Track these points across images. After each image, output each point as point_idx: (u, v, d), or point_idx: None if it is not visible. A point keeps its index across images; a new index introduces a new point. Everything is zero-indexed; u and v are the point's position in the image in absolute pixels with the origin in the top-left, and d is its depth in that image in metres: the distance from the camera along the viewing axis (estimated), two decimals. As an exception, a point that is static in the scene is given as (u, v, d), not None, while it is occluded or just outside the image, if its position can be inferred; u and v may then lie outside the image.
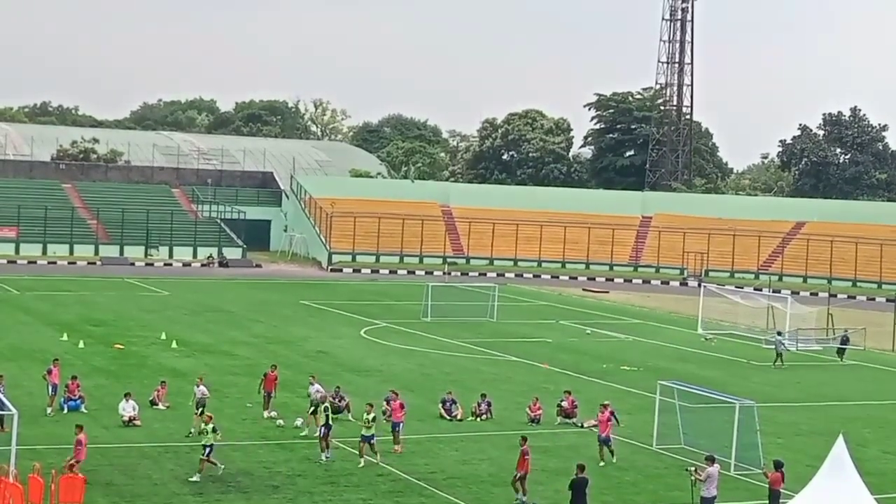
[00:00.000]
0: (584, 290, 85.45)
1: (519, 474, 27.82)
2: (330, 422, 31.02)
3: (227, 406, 37.16)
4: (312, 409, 33.33)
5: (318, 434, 31.23)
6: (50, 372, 35.90)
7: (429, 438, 34.09)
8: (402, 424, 32.43)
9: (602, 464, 31.50)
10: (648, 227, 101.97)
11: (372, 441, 30.37)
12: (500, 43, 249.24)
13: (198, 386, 35.28)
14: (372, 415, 30.60)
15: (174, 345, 49.07)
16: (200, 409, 33.05)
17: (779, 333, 55.03)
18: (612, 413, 37.16)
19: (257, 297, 69.60)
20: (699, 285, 73.35)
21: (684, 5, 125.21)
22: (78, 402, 35.34)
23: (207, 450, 28.60)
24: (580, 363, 49.77)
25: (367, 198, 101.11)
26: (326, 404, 31.56)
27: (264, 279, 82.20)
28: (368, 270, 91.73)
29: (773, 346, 53.38)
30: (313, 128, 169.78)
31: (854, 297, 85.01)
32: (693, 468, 27.93)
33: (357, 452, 30.67)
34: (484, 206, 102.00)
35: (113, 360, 45.43)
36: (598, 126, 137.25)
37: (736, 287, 72.58)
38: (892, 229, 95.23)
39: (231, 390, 39.78)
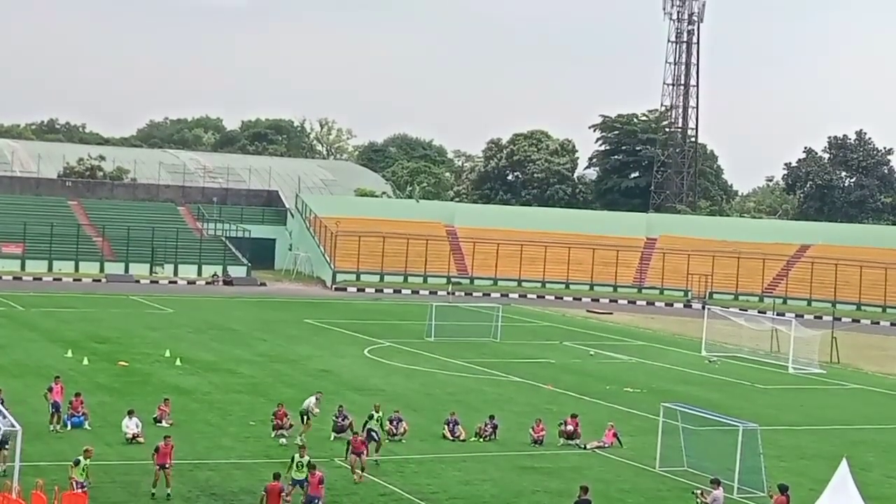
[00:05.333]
0: (588, 311, 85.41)
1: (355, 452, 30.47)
2: None
3: (230, 424, 37.24)
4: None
5: None
6: (51, 389, 35.87)
7: (432, 458, 34.11)
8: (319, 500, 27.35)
9: None
10: (653, 248, 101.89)
11: (304, 484, 27.66)
12: (505, 64, 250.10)
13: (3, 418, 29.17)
14: (306, 458, 28.24)
15: (178, 362, 49.10)
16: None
17: None
18: (615, 434, 37.30)
19: (261, 316, 69.67)
20: (703, 307, 73.34)
21: (690, 27, 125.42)
22: (81, 418, 35.35)
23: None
24: (584, 384, 49.74)
25: (371, 217, 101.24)
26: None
27: (269, 297, 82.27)
28: (372, 290, 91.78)
29: None
30: (319, 147, 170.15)
31: (858, 321, 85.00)
32: (699, 490, 27.96)
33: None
34: (488, 226, 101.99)
35: (117, 377, 45.48)
36: (603, 147, 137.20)
37: (740, 310, 72.45)
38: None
39: (234, 408, 39.82)
